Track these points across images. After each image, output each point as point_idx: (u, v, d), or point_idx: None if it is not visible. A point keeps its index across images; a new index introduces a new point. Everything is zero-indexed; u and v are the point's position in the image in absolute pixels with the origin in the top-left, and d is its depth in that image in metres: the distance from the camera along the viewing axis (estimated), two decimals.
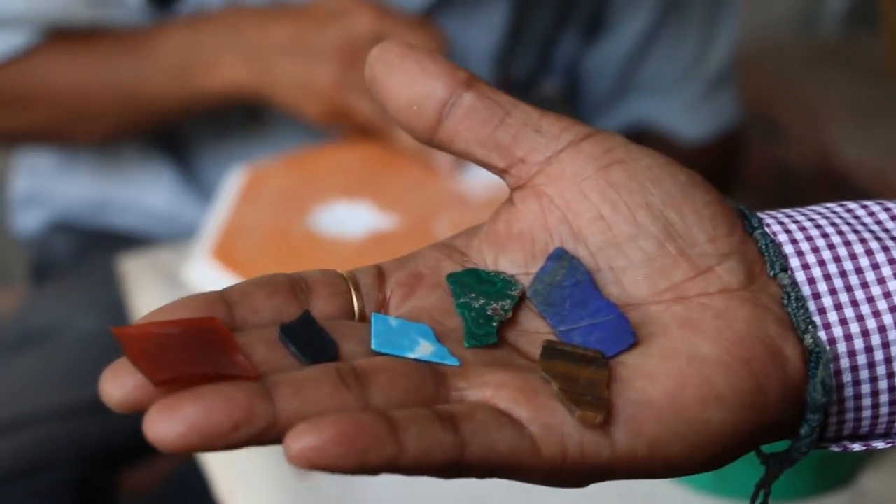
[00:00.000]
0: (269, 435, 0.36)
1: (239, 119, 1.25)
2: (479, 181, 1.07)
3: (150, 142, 1.29)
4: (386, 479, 0.84)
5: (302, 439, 0.35)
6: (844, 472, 0.84)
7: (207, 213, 1.17)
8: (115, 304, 1.11)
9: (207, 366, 0.36)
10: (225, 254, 1.00)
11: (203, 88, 1.16)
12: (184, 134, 1.28)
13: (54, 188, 1.33)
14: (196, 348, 0.37)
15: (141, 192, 1.31)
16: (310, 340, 0.39)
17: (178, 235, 1.27)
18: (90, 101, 1.20)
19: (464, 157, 0.43)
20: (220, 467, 0.91)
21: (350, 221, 1.05)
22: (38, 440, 1.10)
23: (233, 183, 1.10)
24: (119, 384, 0.36)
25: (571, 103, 1.37)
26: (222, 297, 0.40)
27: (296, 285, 0.41)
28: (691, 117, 1.32)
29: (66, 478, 1.10)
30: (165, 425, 0.35)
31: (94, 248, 1.31)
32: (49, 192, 1.33)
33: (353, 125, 1.13)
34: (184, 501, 1.20)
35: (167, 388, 0.36)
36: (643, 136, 1.31)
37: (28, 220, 1.36)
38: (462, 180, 1.08)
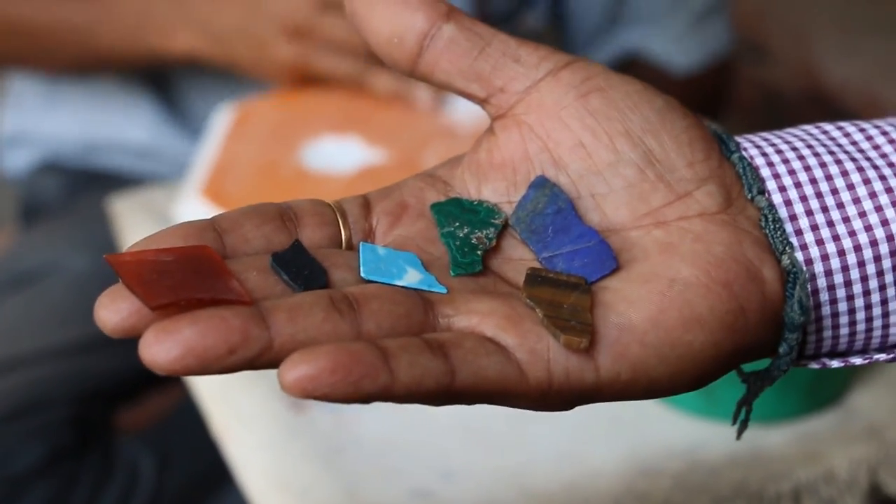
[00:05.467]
0: (263, 359, 0.36)
1: None
2: (466, 113, 1.07)
3: (132, 77, 1.30)
4: (378, 410, 0.86)
5: (297, 368, 0.35)
6: (833, 390, 0.85)
7: (193, 149, 1.18)
8: (105, 244, 1.12)
9: (202, 291, 0.37)
10: (215, 191, 1.01)
11: (159, 51, 1.18)
12: (165, 69, 1.29)
13: (41, 127, 1.34)
14: (190, 274, 0.37)
15: (125, 128, 1.31)
16: (301, 268, 0.40)
17: (166, 174, 1.28)
18: (41, 37, 1.22)
19: (444, 87, 0.44)
20: (214, 403, 0.92)
21: (339, 157, 1.05)
22: (33, 380, 1.11)
23: (221, 120, 1.10)
24: (115, 309, 0.37)
25: (559, 35, 1.37)
26: (212, 225, 0.40)
27: (284, 214, 0.42)
28: (681, 46, 1.32)
29: (63, 417, 1.11)
30: (162, 347, 0.35)
31: (82, 189, 1.32)
32: (36, 131, 1.34)
33: (321, 82, 1.14)
34: (179, 438, 1.21)
35: (162, 312, 0.36)
36: (634, 67, 1.31)
37: (15, 160, 1.36)
38: (448, 114, 1.09)
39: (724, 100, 1.42)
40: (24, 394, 1.10)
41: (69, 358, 1.14)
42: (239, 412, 0.89)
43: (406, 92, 1.09)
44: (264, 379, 0.89)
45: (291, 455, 0.84)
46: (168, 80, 1.30)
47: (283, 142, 1.07)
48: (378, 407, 0.87)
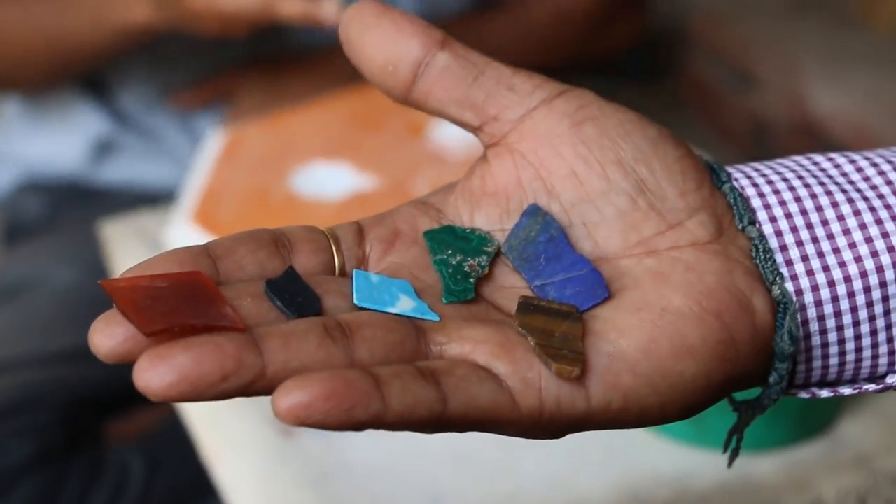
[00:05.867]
0: (256, 386, 0.37)
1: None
2: (456, 139, 1.08)
3: (73, 88, 1.32)
4: (368, 436, 0.85)
5: (290, 396, 0.35)
6: (822, 419, 0.85)
7: (149, 156, 1.19)
8: (90, 260, 1.13)
9: (196, 317, 0.37)
10: (205, 217, 1.01)
11: (121, 26, 1.19)
12: (109, 70, 1.31)
13: (19, 146, 1.35)
14: (184, 300, 0.37)
15: (76, 138, 1.33)
16: (295, 295, 0.40)
17: (137, 182, 1.30)
18: (20, 48, 1.23)
19: (439, 115, 0.44)
20: (204, 428, 0.92)
21: (329, 182, 1.05)
22: (22, 382, 1.12)
23: (211, 145, 1.10)
24: (109, 334, 0.37)
25: None
26: (206, 251, 0.40)
27: (278, 241, 0.42)
28: None
29: (52, 419, 1.12)
30: (155, 374, 0.35)
31: (65, 206, 1.33)
32: (15, 150, 1.35)
33: (238, 25, 1.12)
34: (170, 444, 1.21)
35: (157, 339, 0.36)
36: None
37: None
38: (438, 139, 1.09)
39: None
40: (12, 394, 1.10)
41: (55, 365, 1.14)
42: (229, 437, 0.89)
43: (313, 10, 1.08)
44: (254, 404, 0.89)
45: (281, 480, 0.84)
46: (108, 86, 1.33)
47: (273, 167, 1.07)
48: (368, 433, 0.86)
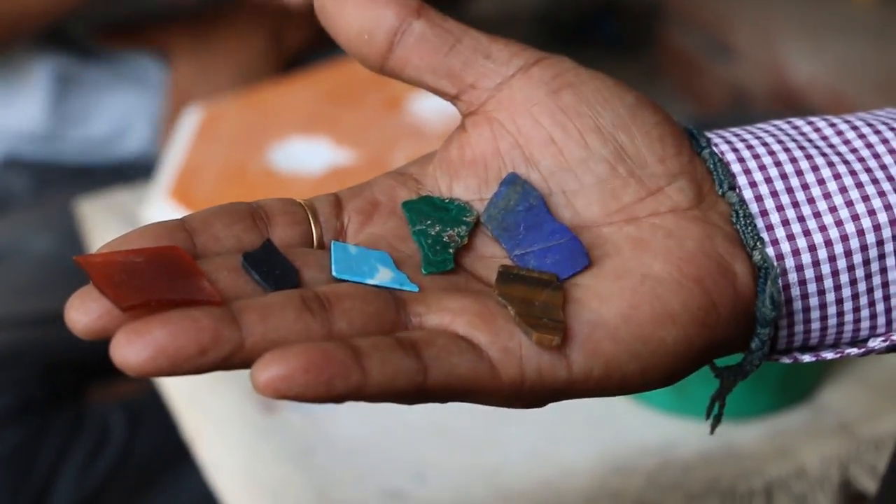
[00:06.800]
0: (235, 359, 0.36)
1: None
2: (434, 112, 1.07)
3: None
4: (350, 410, 0.85)
5: (269, 369, 0.35)
6: (805, 387, 0.85)
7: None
8: (68, 230, 1.13)
9: (173, 291, 0.37)
10: (182, 193, 1.00)
11: None
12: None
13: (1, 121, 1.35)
14: (161, 275, 0.37)
15: (23, 111, 1.33)
16: (272, 268, 0.39)
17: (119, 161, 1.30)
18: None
19: (415, 84, 0.44)
20: (184, 406, 0.91)
21: (308, 158, 1.05)
22: (6, 341, 1.12)
23: (189, 122, 1.09)
24: (85, 310, 0.36)
25: None
26: (182, 225, 0.40)
27: (255, 213, 0.41)
28: None
29: (32, 375, 1.12)
30: (133, 349, 0.35)
31: (47, 182, 1.33)
32: None
33: None
34: (152, 407, 1.21)
35: (133, 313, 0.36)
36: None
37: None
38: (416, 112, 1.09)
39: None
40: None
41: (33, 327, 1.15)
42: (209, 414, 0.89)
43: None
44: (234, 381, 0.89)
45: (263, 456, 0.84)
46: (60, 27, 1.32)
47: (251, 143, 1.06)
48: (350, 407, 0.86)
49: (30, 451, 1.11)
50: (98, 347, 1.22)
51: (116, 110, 1.35)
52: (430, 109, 1.08)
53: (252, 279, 0.39)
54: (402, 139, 1.06)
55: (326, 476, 0.81)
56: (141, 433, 1.19)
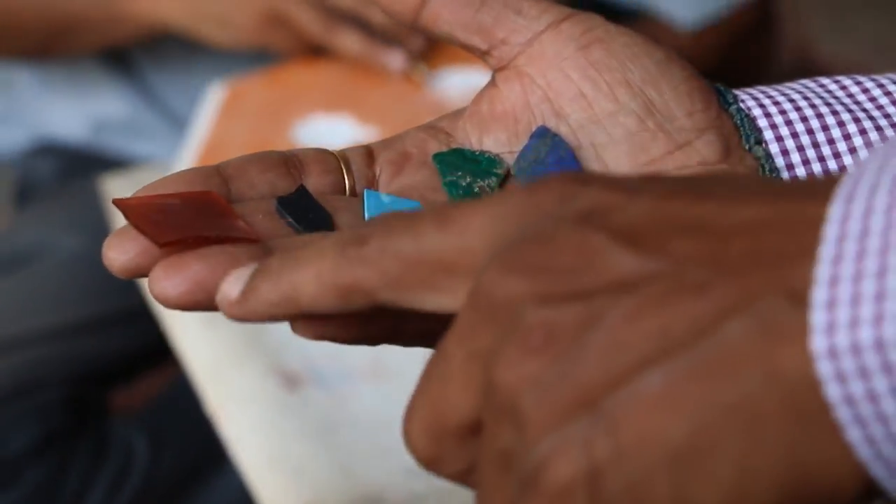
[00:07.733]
0: None
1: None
2: (458, 90, 1.08)
3: (100, 58, 1.31)
4: (373, 388, 0.86)
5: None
6: None
7: (174, 130, 1.18)
8: (98, 225, 1.12)
9: (209, 229, 0.37)
10: None
11: (126, 13, 1.17)
12: (127, 50, 1.30)
13: (32, 108, 1.34)
14: (197, 215, 0.38)
15: (102, 108, 1.32)
16: (306, 211, 0.40)
17: (157, 155, 1.28)
18: (12, 15, 1.21)
19: (446, 40, 0.44)
20: (208, 382, 0.92)
21: (330, 135, 1.05)
22: (26, 362, 1.11)
23: (213, 98, 1.10)
24: (123, 249, 0.37)
25: None
26: (217, 171, 0.41)
27: (289, 161, 0.42)
28: (687, 2, 1.33)
29: (56, 398, 1.11)
30: (171, 282, 0.36)
31: (77, 171, 1.32)
32: (27, 112, 1.34)
33: (290, 39, 1.13)
34: (173, 419, 1.21)
35: (170, 250, 0.36)
36: (640, 24, 1.32)
37: (6, 140, 1.36)
38: (439, 90, 1.09)
39: (733, 58, 1.43)
40: (17, 376, 1.10)
41: (61, 340, 1.14)
42: (232, 391, 0.90)
43: (375, 57, 1.09)
44: (258, 358, 0.90)
45: (286, 433, 0.84)
46: (135, 63, 1.31)
47: (274, 120, 1.07)
48: (373, 384, 0.87)
49: (54, 485, 1.09)
50: (121, 353, 1.21)
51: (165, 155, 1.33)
52: (454, 87, 1.08)
53: (286, 223, 0.40)
54: (426, 117, 1.06)
55: (349, 453, 0.82)
56: (163, 455, 1.18)
